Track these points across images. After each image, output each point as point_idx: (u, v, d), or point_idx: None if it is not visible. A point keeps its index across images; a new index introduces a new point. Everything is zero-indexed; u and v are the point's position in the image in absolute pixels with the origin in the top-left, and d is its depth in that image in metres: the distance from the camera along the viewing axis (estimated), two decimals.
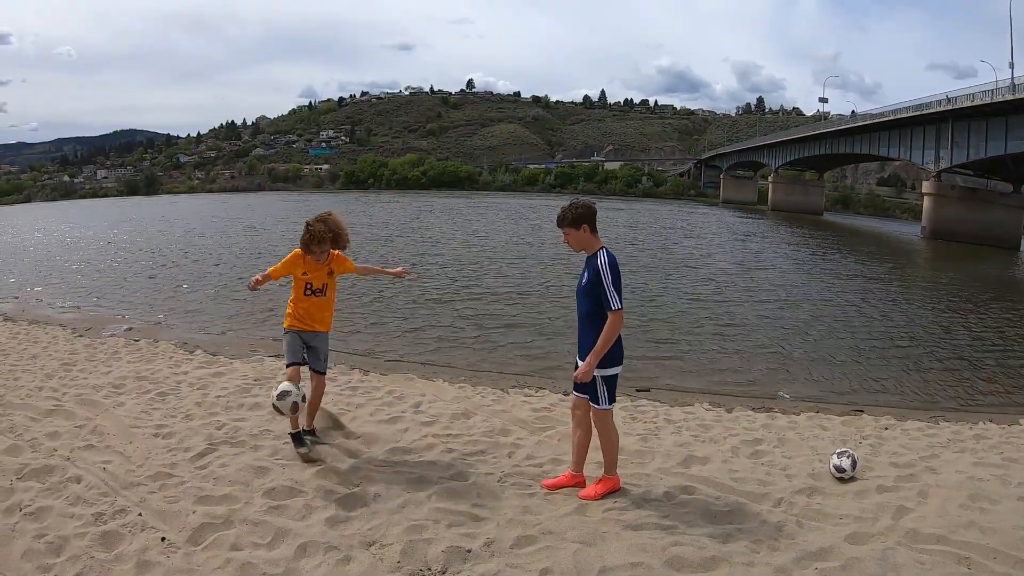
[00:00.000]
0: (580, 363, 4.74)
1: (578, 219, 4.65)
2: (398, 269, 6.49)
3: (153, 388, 7.52)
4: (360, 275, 6.15)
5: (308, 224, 5.40)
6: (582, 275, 4.72)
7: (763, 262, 27.59)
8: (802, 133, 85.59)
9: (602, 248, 4.65)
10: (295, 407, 5.18)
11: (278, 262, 5.63)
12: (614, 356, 4.66)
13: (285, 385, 5.19)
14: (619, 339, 4.66)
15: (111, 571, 3.75)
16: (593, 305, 4.61)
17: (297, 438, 5.52)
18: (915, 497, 4.93)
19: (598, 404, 4.74)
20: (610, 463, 4.92)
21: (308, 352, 5.63)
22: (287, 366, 5.48)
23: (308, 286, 5.55)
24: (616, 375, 4.74)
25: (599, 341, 4.53)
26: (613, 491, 4.86)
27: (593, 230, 4.68)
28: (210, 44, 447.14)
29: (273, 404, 5.17)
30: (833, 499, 4.91)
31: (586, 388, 4.78)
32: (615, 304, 4.49)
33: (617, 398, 8.04)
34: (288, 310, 5.63)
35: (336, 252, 5.63)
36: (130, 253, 26.70)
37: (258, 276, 5.50)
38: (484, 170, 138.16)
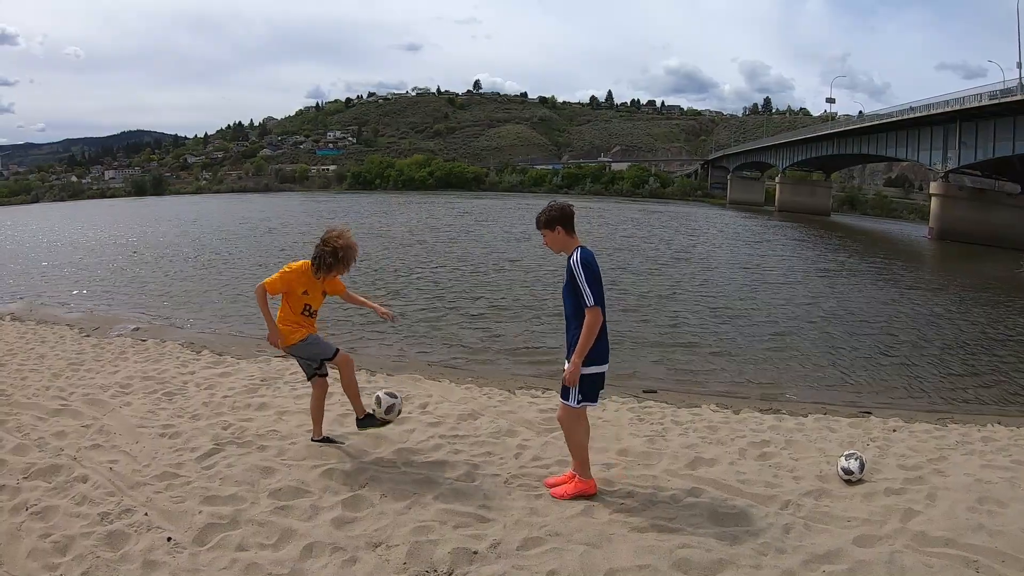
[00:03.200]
0: (567, 363, 4.72)
1: (551, 221, 4.67)
2: (386, 310, 5.98)
3: (160, 388, 7.54)
4: (345, 300, 5.89)
5: (335, 246, 5.20)
6: (565, 276, 4.68)
7: (770, 263, 27.53)
8: (809, 134, 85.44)
9: (578, 247, 4.64)
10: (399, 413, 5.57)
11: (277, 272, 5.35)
12: (594, 354, 4.58)
13: (387, 400, 5.46)
14: (604, 337, 4.64)
15: (117, 571, 3.75)
16: (574, 305, 4.58)
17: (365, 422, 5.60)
18: (923, 500, 4.90)
19: (566, 400, 4.65)
20: (579, 465, 4.83)
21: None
22: (334, 356, 5.38)
23: (307, 307, 5.38)
24: (597, 374, 4.65)
25: (580, 339, 4.48)
26: (585, 494, 4.77)
27: (569, 231, 4.69)
28: (217, 44, 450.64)
29: (381, 417, 5.49)
30: (841, 501, 4.88)
31: (561, 387, 4.70)
32: (589, 301, 4.46)
33: (623, 400, 8.09)
34: (285, 327, 5.32)
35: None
36: (138, 254, 26.78)
37: (271, 329, 5.27)
38: (491, 171, 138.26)
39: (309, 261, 5.27)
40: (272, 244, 30.70)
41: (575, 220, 4.76)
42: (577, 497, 4.74)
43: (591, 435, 5.00)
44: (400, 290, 17.79)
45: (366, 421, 5.55)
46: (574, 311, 4.60)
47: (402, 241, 31.63)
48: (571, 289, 4.58)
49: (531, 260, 24.52)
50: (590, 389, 4.66)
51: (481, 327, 13.39)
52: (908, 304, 18.79)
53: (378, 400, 5.45)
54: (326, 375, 5.68)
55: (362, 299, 5.94)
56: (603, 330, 4.60)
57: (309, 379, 5.65)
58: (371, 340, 12.00)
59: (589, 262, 4.55)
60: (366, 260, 23.43)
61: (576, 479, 4.84)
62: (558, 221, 4.66)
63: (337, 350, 5.41)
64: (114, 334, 11.68)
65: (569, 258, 4.60)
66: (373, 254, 25.55)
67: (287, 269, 5.26)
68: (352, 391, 5.51)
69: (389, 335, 12.45)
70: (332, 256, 5.18)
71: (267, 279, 5.25)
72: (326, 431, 5.84)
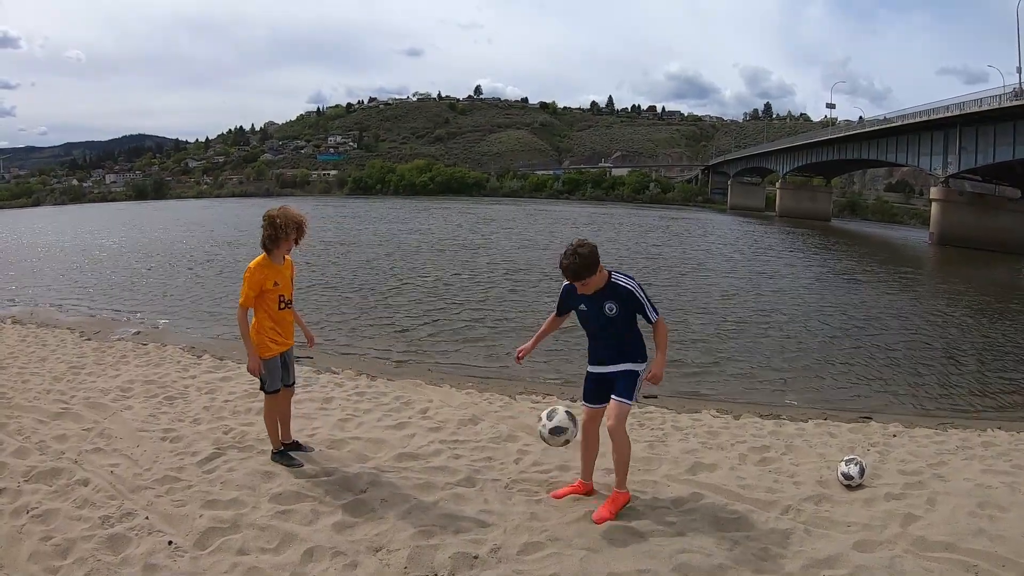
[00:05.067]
0: (597, 368, 4.73)
1: (595, 264, 4.44)
2: (311, 335, 5.79)
3: (161, 392, 7.55)
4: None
5: (274, 217, 5.08)
6: (602, 305, 4.55)
7: (770, 269, 27.52)
8: (810, 139, 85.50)
9: (611, 274, 4.59)
10: (567, 443, 4.81)
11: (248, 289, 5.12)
12: (645, 352, 4.70)
13: (561, 419, 4.72)
14: (641, 336, 4.71)
15: (118, 574, 3.75)
16: (622, 330, 4.62)
17: (284, 455, 5.36)
18: (923, 504, 4.90)
19: (629, 398, 4.60)
20: (625, 477, 4.74)
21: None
22: (270, 392, 5.27)
23: (281, 298, 5.21)
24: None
25: (661, 344, 4.64)
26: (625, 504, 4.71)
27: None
28: (219, 48, 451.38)
29: (544, 436, 4.76)
30: (841, 506, 4.89)
31: (618, 388, 4.61)
32: (653, 316, 4.57)
33: None
34: (259, 338, 5.18)
35: (289, 257, 5.34)
36: (139, 258, 26.79)
37: (253, 361, 5.11)
38: (492, 176, 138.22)
39: (263, 253, 5.16)
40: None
41: None
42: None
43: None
44: (404, 295, 17.79)
45: (280, 458, 5.35)
46: (618, 335, 4.66)
47: (414, 246, 31.60)
48: (620, 315, 4.56)
49: (541, 268, 24.55)
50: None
51: (483, 333, 13.39)
52: (908, 309, 18.80)
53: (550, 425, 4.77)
54: (294, 383, 5.60)
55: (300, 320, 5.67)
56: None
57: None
58: (372, 345, 11.99)
59: (636, 282, 4.63)
60: (370, 267, 23.44)
61: (616, 493, 4.72)
62: (598, 258, 4.48)
63: (276, 389, 5.29)
64: (115, 338, 11.69)
65: (616, 288, 4.54)
66: (382, 259, 25.61)
67: (249, 273, 5.08)
68: (269, 427, 5.41)
69: (391, 339, 12.46)
70: (273, 228, 5.06)
71: (240, 298, 5.13)
72: (328, 436, 5.86)
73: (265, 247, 5.13)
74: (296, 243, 5.24)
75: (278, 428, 5.45)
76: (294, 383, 5.61)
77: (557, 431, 4.71)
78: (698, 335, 13.73)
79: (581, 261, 4.40)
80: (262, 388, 5.31)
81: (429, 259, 26.38)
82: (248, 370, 5.18)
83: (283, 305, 5.23)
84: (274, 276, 5.12)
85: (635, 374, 4.64)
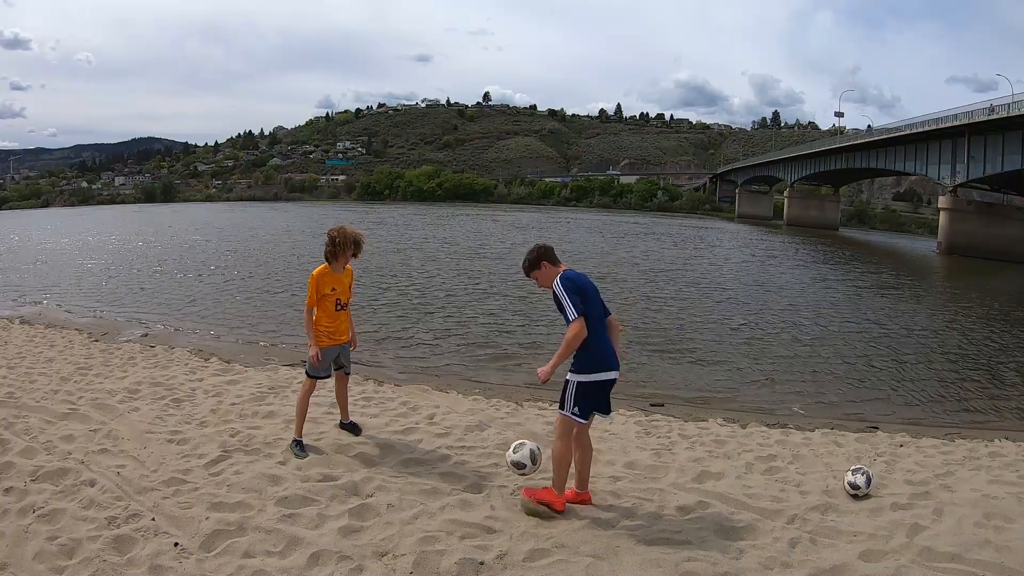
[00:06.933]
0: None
1: (536, 261, 4.88)
2: (354, 339, 6.38)
3: (168, 394, 7.57)
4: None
5: (333, 235, 5.79)
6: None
7: (778, 278, 27.48)
8: (818, 148, 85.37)
9: (561, 272, 4.80)
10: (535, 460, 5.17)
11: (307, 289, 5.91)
12: (587, 363, 4.66)
13: (528, 449, 5.15)
14: (601, 350, 4.68)
15: (123, 575, 3.76)
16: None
17: (298, 445, 5.79)
18: (930, 515, 4.89)
19: (561, 408, 4.75)
20: (555, 476, 4.81)
21: (336, 361, 6.09)
22: (311, 376, 5.94)
23: (338, 302, 5.90)
24: (590, 382, 4.67)
25: (562, 345, 4.61)
26: (549, 505, 4.71)
27: (552, 263, 4.87)
28: (229, 53, 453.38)
29: (514, 462, 5.12)
30: (847, 516, 4.87)
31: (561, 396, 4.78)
32: (571, 315, 4.57)
33: (630, 413, 8.08)
34: (318, 331, 5.88)
35: (349, 267, 6.06)
36: (147, 260, 26.86)
37: (313, 349, 5.82)
38: (500, 183, 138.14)
39: (325, 263, 5.87)
40: (287, 253, 30.64)
41: (555, 251, 4.95)
42: (542, 505, 4.69)
43: (597, 448, 4.99)
44: (411, 300, 17.81)
45: (295, 446, 5.81)
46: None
47: (430, 254, 31.62)
48: (560, 311, 4.70)
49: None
50: (583, 400, 4.68)
51: (489, 339, 13.38)
52: (916, 319, 18.72)
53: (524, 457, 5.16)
54: (349, 373, 6.34)
55: (351, 325, 6.35)
56: (598, 341, 4.67)
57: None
58: (379, 349, 12.00)
59: (571, 277, 4.72)
60: (379, 272, 23.45)
61: (548, 488, 4.82)
62: (541, 258, 4.87)
63: (319, 376, 5.99)
64: (123, 339, 11.72)
65: (554, 284, 4.74)
66: (395, 265, 25.64)
67: (312, 279, 5.83)
68: (298, 410, 5.97)
69: (396, 344, 12.47)
70: (332, 244, 5.79)
71: (306, 300, 5.91)
72: (335, 440, 5.92)
73: (327, 258, 5.88)
74: (355, 256, 5.97)
75: (305, 416, 6.00)
76: (348, 373, 6.34)
77: (518, 464, 5.11)
78: (704, 344, 13.70)
79: (525, 260, 4.96)
80: (306, 373, 6.01)
81: (435, 265, 26.41)
82: (310, 360, 5.90)
83: (339, 307, 5.96)
84: (332, 283, 5.87)
85: (567, 383, 4.74)
